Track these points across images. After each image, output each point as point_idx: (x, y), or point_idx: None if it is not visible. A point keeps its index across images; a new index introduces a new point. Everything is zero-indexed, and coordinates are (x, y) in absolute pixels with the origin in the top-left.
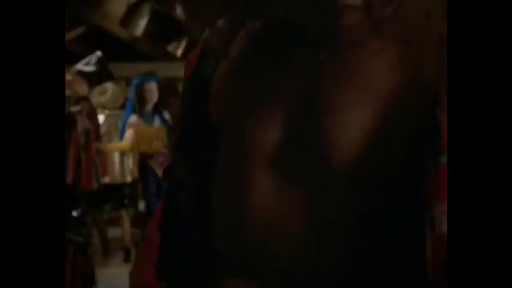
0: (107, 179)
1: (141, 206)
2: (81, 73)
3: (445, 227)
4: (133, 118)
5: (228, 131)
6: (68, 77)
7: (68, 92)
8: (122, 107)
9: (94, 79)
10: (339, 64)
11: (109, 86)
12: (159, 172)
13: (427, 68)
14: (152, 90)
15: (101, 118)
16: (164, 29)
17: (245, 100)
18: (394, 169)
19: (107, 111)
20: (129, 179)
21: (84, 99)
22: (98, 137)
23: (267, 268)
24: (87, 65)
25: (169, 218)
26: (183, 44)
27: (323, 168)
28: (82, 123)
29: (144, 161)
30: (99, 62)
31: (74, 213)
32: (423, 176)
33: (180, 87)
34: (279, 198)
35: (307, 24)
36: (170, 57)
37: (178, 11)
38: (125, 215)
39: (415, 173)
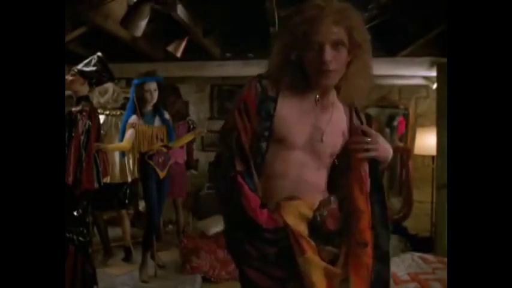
0: (107, 179)
1: (141, 206)
2: (82, 73)
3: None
4: (133, 118)
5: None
6: (68, 77)
7: (68, 92)
8: (122, 107)
9: (94, 79)
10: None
11: (109, 86)
12: (159, 172)
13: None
14: (152, 90)
15: (101, 118)
16: (164, 29)
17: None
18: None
19: (107, 111)
20: (129, 179)
21: (85, 99)
22: (99, 137)
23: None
24: (87, 65)
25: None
26: (183, 44)
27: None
28: (83, 123)
29: (144, 161)
30: (100, 62)
31: (75, 213)
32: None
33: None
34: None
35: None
36: (170, 57)
37: (179, 11)
38: (125, 215)
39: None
